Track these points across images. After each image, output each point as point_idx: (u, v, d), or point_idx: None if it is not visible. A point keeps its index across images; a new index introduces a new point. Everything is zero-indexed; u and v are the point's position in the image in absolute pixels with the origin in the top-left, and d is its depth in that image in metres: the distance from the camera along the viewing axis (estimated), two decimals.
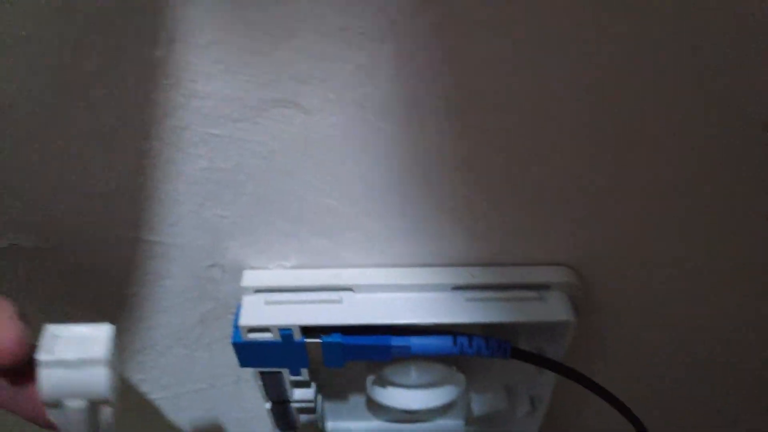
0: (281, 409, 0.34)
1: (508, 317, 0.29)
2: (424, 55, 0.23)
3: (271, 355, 0.30)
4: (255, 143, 0.26)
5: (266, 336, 0.29)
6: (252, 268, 0.31)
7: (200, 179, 0.27)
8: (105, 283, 0.31)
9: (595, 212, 0.28)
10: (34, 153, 0.26)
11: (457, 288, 0.30)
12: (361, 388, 0.38)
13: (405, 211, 0.29)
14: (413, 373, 0.35)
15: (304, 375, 0.32)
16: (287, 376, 0.32)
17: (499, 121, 0.25)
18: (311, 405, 0.34)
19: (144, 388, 0.38)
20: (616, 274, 0.31)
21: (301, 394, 0.34)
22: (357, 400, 0.39)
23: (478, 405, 0.37)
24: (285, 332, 0.29)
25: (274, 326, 0.29)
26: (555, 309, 0.29)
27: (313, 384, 0.34)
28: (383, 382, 0.36)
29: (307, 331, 0.30)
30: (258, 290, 0.30)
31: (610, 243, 0.30)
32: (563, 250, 0.30)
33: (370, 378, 0.34)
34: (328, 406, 0.39)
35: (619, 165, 0.27)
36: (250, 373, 0.37)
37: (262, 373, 0.32)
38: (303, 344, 0.30)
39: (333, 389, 0.38)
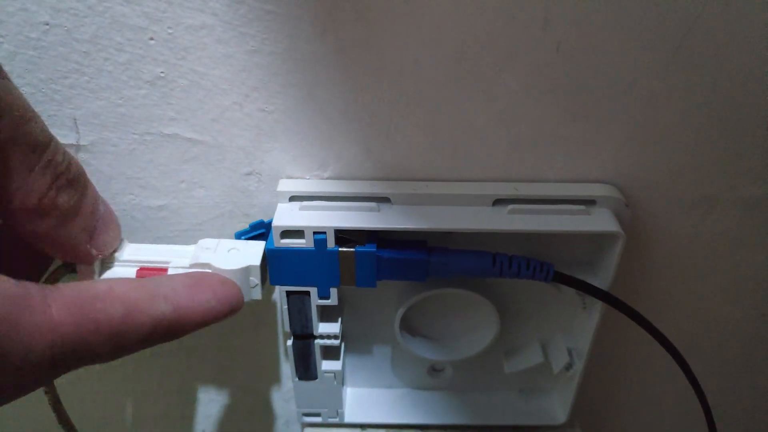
0: (304, 346, 0.32)
1: (553, 227, 0.28)
2: None
3: (302, 267, 0.29)
4: (308, 22, 0.26)
5: (299, 243, 0.28)
6: (288, 177, 0.30)
7: (248, 65, 0.27)
8: (134, 191, 0.31)
9: (645, 130, 0.28)
10: None
11: (499, 201, 0.29)
12: (386, 347, 0.36)
13: (448, 121, 0.28)
14: (444, 318, 0.34)
15: (333, 298, 0.30)
16: (314, 300, 0.30)
17: (547, 25, 0.25)
18: (336, 343, 0.32)
19: None
20: (668, 205, 0.30)
21: (326, 328, 0.32)
22: (380, 358, 0.37)
23: (511, 362, 0.35)
24: (319, 237, 0.28)
25: (309, 228, 0.28)
26: (602, 221, 0.28)
27: (339, 319, 0.32)
28: (413, 330, 0.34)
29: (342, 243, 0.29)
30: (293, 197, 0.29)
31: (660, 167, 0.29)
32: (610, 168, 0.29)
33: (400, 312, 0.32)
34: (350, 365, 0.37)
35: (675, 80, 0.27)
36: (270, 316, 0.35)
37: (289, 294, 0.30)
38: (336, 254, 0.29)
39: (357, 343, 0.36)
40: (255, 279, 0.27)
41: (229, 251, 0.27)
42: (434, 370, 0.37)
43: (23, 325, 0.15)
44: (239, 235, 0.30)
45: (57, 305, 0.17)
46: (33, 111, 0.20)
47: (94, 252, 0.24)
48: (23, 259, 0.25)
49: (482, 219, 0.28)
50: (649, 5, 0.25)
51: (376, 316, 0.34)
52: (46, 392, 0.27)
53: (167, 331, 0.20)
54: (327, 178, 0.30)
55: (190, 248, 0.26)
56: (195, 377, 0.39)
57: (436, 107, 0.28)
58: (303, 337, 0.32)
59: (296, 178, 0.30)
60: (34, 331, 0.16)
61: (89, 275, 0.25)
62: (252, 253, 0.27)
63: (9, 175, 0.19)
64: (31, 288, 0.16)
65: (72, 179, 0.22)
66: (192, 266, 0.25)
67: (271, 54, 0.27)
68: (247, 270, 0.26)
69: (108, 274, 0.26)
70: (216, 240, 0.27)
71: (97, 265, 0.25)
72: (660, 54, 0.26)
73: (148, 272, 0.25)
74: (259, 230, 0.30)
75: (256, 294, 0.27)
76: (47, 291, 0.17)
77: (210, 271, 0.25)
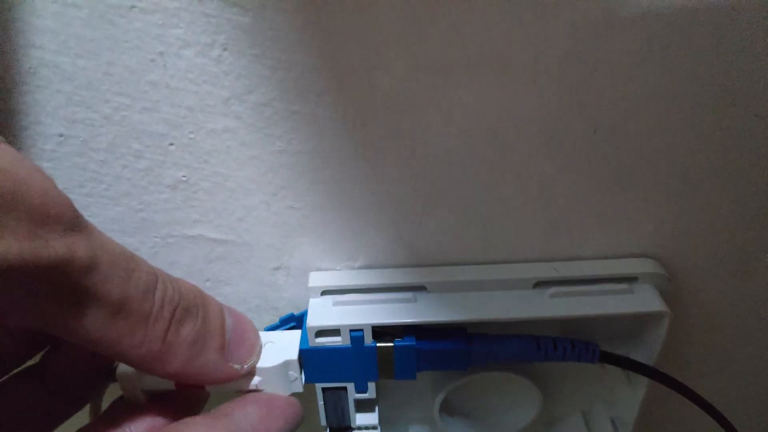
0: None
1: (598, 310, 0.27)
2: None
3: (339, 365, 0.28)
4: (335, 120, 0.25)
5: (335, 340, 0.27)
6: (318, 269, 0.29)
7: (275, 165, 0.26)
8: None
9: (684, 202, 0.28)
10: None
11: (540, 283, 0.28)
12: (423, 428, 0.35)
13: (482, 205, 0.27)
14: (483, 398, 0.33)
15: (371, 392, 0.29)
16: (351, 394, 0.29)
17: (582, 100, 0.25)
18: None
19: None
20: (709, 274, 0.30)
21: (364, 419, 0.31)
22: None
23: None
24: (356, 334, 0.27)
25: (345, 326, 0.27)
26: (647, 300, 0.27)
27: (377, 408, 0.31)
28: (451, 410, 0.33)
29: (379, 337, 0.28)
30: (325, 292, 0.28)
31: (701, 238, 0.29)
32: (649, 241, 0.28)
33: (439, 398, 0.31)
34: None
35: (713, 153, 0.26)
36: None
37: (324, 390, 0.29)
38: (374, 349, 0.27)
39: (394, 427, 0.35)
40: (294, 373, 0.26)
41: (265, 345, 0.26)
42: None
43: None
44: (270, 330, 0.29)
45: None
46: (133, 256, 0.19)
47: (237, 367, 0.23)
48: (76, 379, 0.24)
49: (524, 305, 0.27)
50: (687, 82, 0.24)
51: (413, 400, 0.33)
52: None
53: None
54: (358, 268, 0.29)
55: None
56: None
57: (468, 192, 0.27)
58: (340, 430, 0.31)
59: (326, 269, 0.29)
60: None
61: (132, 384, 0.24)
62: (288, 345, 0.26)
63: (130, 331, 0.18)
64: None
65: (188, 307, 0.20)
66: None
67: (299, 153, 0.26)
68: (286, 365, 0.25)
69: (148, 380, 0.24)
70: None
71: (136, 377, 0.24)
72: (698, 128, 0.26)
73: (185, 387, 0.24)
74: (290, 324, 0.29)
75: (297, 387, 0.26)
76: None
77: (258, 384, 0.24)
